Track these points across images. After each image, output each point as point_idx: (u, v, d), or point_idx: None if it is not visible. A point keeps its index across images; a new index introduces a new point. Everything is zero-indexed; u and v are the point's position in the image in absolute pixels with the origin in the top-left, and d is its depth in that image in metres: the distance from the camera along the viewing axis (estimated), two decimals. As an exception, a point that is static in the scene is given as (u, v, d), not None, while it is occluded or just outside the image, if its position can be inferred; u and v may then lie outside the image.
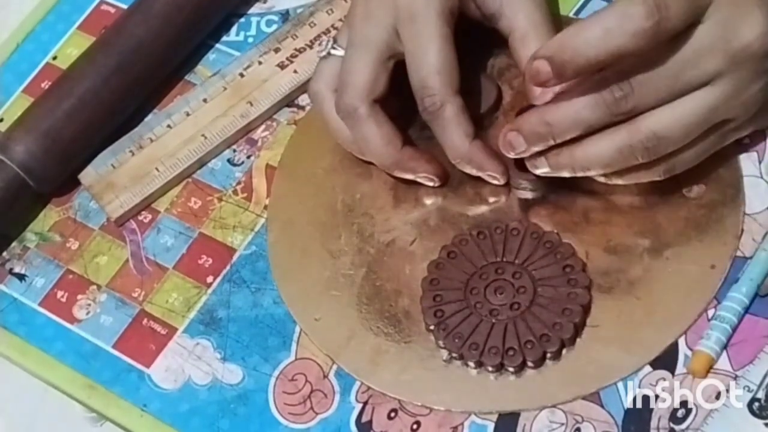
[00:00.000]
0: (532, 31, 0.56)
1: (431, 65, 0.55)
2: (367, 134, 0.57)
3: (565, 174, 0.53)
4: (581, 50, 0.49)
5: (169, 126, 0.63)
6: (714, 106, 0.51)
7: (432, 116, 0.56)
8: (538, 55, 0.50)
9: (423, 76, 0.56)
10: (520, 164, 0.55)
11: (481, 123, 0.59)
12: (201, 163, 0.63)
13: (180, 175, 0.62)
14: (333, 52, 0.58)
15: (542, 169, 0.54)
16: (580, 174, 0.53)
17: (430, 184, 0.58)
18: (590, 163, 0.52)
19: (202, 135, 0.63)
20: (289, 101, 0.64)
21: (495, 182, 0.57)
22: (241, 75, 0.64)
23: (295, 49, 0.64)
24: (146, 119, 0.65)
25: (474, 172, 0.57)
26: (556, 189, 0.57)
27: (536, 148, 0.53)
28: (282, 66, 0.64)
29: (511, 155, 0.54)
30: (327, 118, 0.59)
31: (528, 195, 0.57)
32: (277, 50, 0.65)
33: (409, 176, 0.58)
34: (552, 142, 0.52)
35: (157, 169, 0.62)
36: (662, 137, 0.51)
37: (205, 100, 0.64)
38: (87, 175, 0.63)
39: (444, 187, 0.58)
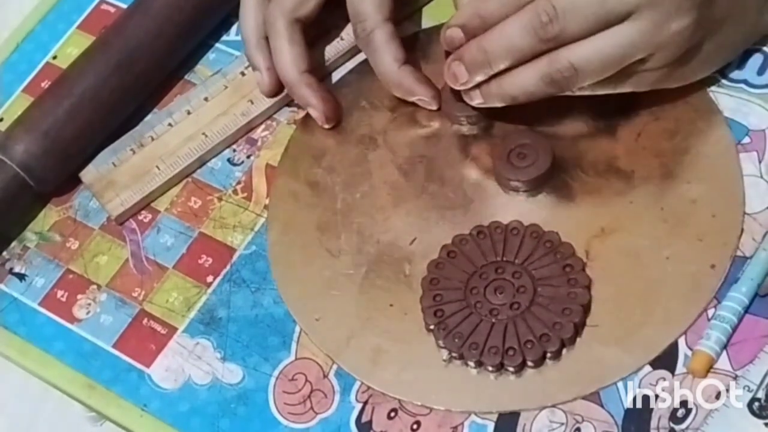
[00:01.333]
0: None
1: None
2: (277, 48, 0.61)
3: (497, 103, 0.56)
4: (488, 17, 0.54)
5: (170, 124, 0.63)
6: (633, 41, 0.52)
7: (363, 42, 0.59)
8: (450, 24, 0.55)
9: (356, 3, 0.59)
10: (458, 98, 0.58)
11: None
12: (202, 161, 0.63)
13: (180, 174, 0.62)
14: None
15: (477, 100, 0.56)
16: (509, 102, 0.55)
17: (318, 120, 0.61)
18: (517, 92, 0.54)
19: (203, 133, 0.63)
20: (289, 100, 0.64)
21: (428, 107, 0.60)
22: (243, 74, 0.64)
23: None
24: (147, 118, 0.65)
25: (406, 96, 0.60)
26: (555, 188, 0.57)
27: (478, 77, 0.55)
28: None
29: (457, 86, 0.56)
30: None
31: (465, 130, 0.59)
32: None
33: (302, 103, 0.61)
34: (490, 71, 0.54)
35: (157, 167, 0.62)
36: (580, 70, 0.52)
37: (206, 99, 0.64)
38: (88, 174, 0.63)
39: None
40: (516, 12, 0.53)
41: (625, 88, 0.55)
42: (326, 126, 0.61)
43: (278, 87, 0.62)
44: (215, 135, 0.63)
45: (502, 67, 0.54)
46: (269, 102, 0.63)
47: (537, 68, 0.53)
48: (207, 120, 0.63)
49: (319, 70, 0.63)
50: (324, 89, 0.61)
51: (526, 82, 0.54)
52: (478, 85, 0.55)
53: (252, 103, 0.63)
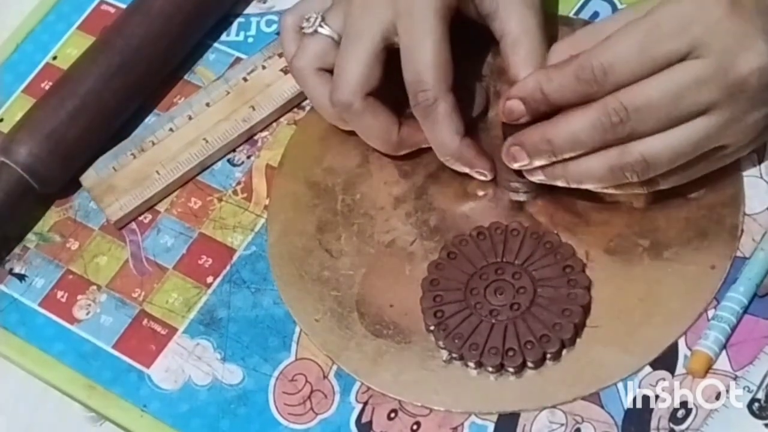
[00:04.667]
0: (524, 37, 0.57)
1: (426, 60, 0.56)
2: (364, 126, 0.58)
3: (560, 184, 0.54)
4: (551, 95, 0.52)
5: (171, 129, 0.63)
6: (707, 135, 0.51)
7: (424, 112, 0.56)
8: (511, 95, 0.53)
9: (418, 71, 0.56)
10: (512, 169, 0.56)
11: (473, 127, 0.59)
12: (202, 166, 0.63)
13: (181, 179, 0.62)
14: (320, 30, 0.58)
15: (538, 177, 0.55)
16: (573, 186, 0.54)
17: (482, 177, 0.58)
18: (583, 178, 0.53)
19: (204, 139, 0.63)
20: (291, 106, 0.63)
21: (482, 178, 0.58)
22: (245, 79, 0.64)
23: None
24: (149, 122, 0.65)
25: (464, 169, 0.58)
26: (555, 189, 0.57)
27: (538, 163, 0.54)
28: (285, 71, 0.64)
29: (514, 166, 0.55)
30: (311, 96, 0.60)
31: (521, 197, 0.57)
32: (281, 55, 0.64)
33: (464, 167, 0.58)
34: (553, 158, 0.53)
35: (157, 172, 0.62)
36: (651, 163, 0.51)
37: (208, 104, 0.64)
38: (88, 177, 0.63)
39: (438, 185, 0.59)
40: (582, 97, 0.52)
41: (708, 170, 0.54)
42: (489, 179, 0.58)
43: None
44: (216, 141, 0.63)
45: (565, 157, 0.53)
46: (271, 108, 0.63)
47: (606, 158, 0.52)
48: (208, 125, 0.63)
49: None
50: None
51: (593, 170, 0.53)
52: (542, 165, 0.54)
53: (253, 109, 0.63)
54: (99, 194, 0.62)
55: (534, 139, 0.53)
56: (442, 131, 0.56)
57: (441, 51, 0.56)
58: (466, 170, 0.58)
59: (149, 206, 0.62)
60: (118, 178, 0.63)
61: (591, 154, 0.52)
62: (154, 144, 0.63)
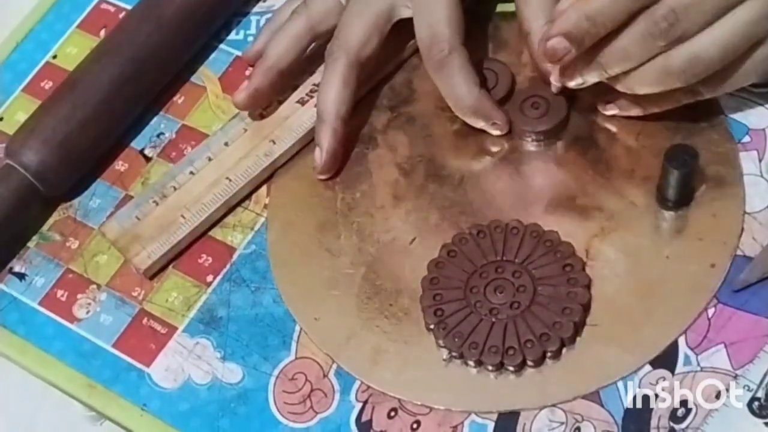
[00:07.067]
0: None
1: (441, 16, 0.57)
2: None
3: (619, 88, 0.55)
4: (597, 20, 0.51)
5: (191, 173, 0.62)
6: (752, 20, 0.51)
7: (439, 65, 0.57)
8: (552, 33, 0.52)
9: (432, 25, 0.57)
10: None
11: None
12: (228, 206, 0.61)
13: (207, 220, 0.60)
14: None
15: (576, 81, 0.55)
16: (625, 91, 0.54)
17: (497, 132, 0.59)
18: (637, 88, 0.53)
19: (227, 178, 0.61)
20: (312, 136, 0.62)
21: (498, 132, 0.58)
22: (261, 115, 0.63)
23: (314, 85, 0.63)
24: (166, 170, 0.63)
25: (480, 122, 0.58)
26: (555, 188, 0.57)
27: (591, 81, 0.54)
28: (302, 102, 0.62)
29: (571, 86, 0.55)
30: (286, 29, 0.62)
31: (533, 147, 0.58)
32: (294, 88, 0.63)
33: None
34: (605, 75, 0.53)
35: (183, 216, 0.60)
36: (702, 60, 0.51)
37: (226, 144, 0.62)
38: (111, 230, 0.61)
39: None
40: (627, 12, 0.51)
41: (742, 82, 0.54)
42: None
43: (333, 171, 0.60)
44: (239, 178, 0.61)
45: (615, 72, 0.53)
46: (292, 140, 0.62)
47: (655, 65, 0.52)
48: (229, 164, 0.61)
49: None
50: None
51: (647, 77, 0.53)
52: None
53: (274, 143, 0.62)
54: (124, 245, 0.60)
55: (585, 61, 0.54)
56: (459, 83, 0.57)
57: (455, 7, 0.57)
58: (483, 125, 0.58)
59: (178, 251, 0.60)
60: (143, 226, 0.61)
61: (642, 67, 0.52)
62: (175, 189, 0.61)
